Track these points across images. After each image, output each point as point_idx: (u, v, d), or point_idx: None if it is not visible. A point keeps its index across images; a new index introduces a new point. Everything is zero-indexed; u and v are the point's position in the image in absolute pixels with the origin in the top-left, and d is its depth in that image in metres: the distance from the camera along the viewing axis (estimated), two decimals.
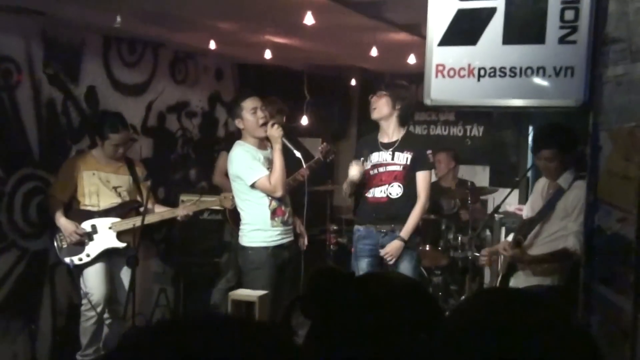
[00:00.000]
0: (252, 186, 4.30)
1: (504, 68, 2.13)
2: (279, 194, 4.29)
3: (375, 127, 6.55)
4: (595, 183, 2.03)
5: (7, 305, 4.55)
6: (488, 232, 5.75)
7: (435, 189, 5.99)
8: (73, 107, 5.05)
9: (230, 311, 3.17)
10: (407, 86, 4.68)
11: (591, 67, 2.03)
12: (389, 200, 4.48)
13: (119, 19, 3.80)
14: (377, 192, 4.51)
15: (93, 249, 4.56)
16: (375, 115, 4.47)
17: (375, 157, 4.54)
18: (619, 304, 1.96)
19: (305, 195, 4.35)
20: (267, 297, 3.20)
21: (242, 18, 4.67)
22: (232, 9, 4.40)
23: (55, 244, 4.54)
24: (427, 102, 2.27)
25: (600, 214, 2.02)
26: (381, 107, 4.44)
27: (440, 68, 2.23)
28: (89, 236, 4.55)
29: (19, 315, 4.66)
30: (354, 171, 4.42)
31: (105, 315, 4.64)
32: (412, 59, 5.43)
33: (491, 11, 2.14)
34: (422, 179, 4.47)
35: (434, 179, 5.45)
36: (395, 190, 4.46)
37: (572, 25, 2.05)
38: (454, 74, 2.21)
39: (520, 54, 2.11)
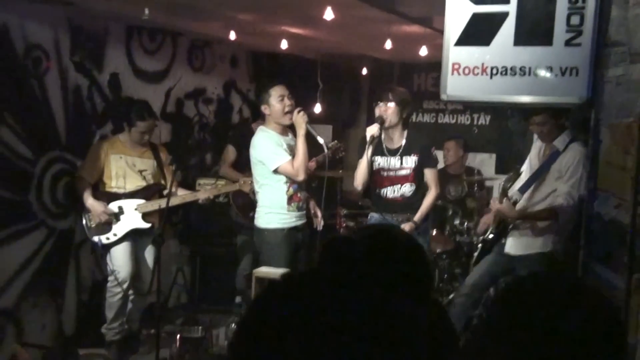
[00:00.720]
0: (275, 171, 4.47)
1: (515, 67, 2.35)
2: (301, 177, 4.47)
3: None
4: (595, 172, 2.25)
5: (36, 280, 4.79)
6: None
7: (443, 175, 6.22)
8: (97, 93, 5.26)
9: (254, 288, 3.39)
10: (409, 93, 4.89)
11: (594, 68, 2.25)
12: (403, 198, 4.69)
13: (147, 11, 4.00)
14: (389, 192, 4.68)
15: (120, 228, 4.79)
16: (385, 125, 4.56)
17: (383, 161, 4.69)
18: (613, 282, 2.19)
19: (324, 181, 4.59)
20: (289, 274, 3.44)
21: (260, 9, 4.86)
22: (250, 1, 4.59)
23: (84, 222, 4.76)
24: (444, 97, 2.49)
25: (599, 200, 2.25)
26: (391, 116, 4.53)
27: (456, 66, 2.44)
28: (116, 217, 4.78)
29: (47, 290, 4.91)
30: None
31: (130, 292, 4.88)
32: (423, 51, 5.62)
33: (503, 15, 2.35)
34: (430, 175, 4.66)
35: (441, 165, 5.65)
36: (407, 189, 4.66)
37: (577, 30, 2.26)
38: (468, 72, 2.43)
39: (529, 55, 2.33)
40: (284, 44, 5.56)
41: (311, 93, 6.65)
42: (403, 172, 4.67)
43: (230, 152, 5.89)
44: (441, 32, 5.15)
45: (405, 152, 4.65)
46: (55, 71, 4.88)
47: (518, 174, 4.27)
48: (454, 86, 2.46)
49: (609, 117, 2.23)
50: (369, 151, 4.56)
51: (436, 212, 6.00)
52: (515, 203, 3.97)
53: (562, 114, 3.91)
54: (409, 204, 4.66)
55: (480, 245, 4.43)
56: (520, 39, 2.35)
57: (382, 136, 4.67)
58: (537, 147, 4.29)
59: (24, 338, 4.66)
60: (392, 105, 4.56)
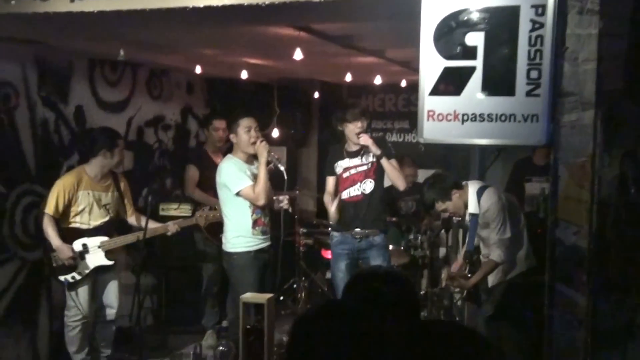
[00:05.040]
0: (237, 194, 4.72)
1: (483, 114, 2.69)
2: (261, 202, 4.71)
3: (333, 134, 7.07)
4: (556, 205, 2.61)
5: (10, 311, 4.89)
6: (444, 233, 6.32)
7: (394, 192, 6.58)
8: (64, 126, 5.39)
9: (241, 313, 3.62)
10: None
11: (551, 115, 2.61)
12: (363, 197, 5.00)
13: (122, 52, 4.19)
14: (352, 191, 5.03)
15: (84, 267, 4.86)
16: (361, 141, 4.89)
17: (346, 162, 5.07)
18: (575, 299, 2.56)
19: (282, 211, 4.91)
20: (273, 299, 3.67)
21: (221, 46, 5.09)
22: (212, 38, 4.81)
23: (53, 263, 4.80)
24: (420, 140, 2.80)
25: (560, 228, 2.61)
26: (363, 136, 4.90)
27: (431, 113, 2.77)
28: (81, 255, 4.84)
29: (20, 320, 5.01)
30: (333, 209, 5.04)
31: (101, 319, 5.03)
32: (377, 80, 6.00)
33: (472, 69, 2.70)
34: (389, 166, 4.90)
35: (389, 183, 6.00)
36: (368, 186, 5.00)
37: (536, 82, 2.62)
38: (442, 118, 2.75)
39: (495, 104, 2.67)
40: (244, 74, 5.80)
41: (265, 116, 6.91)
42: (362, 168, 5.01)
43: (193, 172, 6.02)
44: (393, 61, 5.57)
45: (365, 150, 4.98)
46: (24, 106, 5.00)
47: (449, 220, 4.91)
48: (429, 130, 2.78)
49: (565, 157, 2.60)
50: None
51: (392, 229, 6.37)
52: (472, 262, 4.50)
53: (429, 208, 4.69)
54: (370, 210, 4.97)
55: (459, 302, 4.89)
56: (487, 89, 2.69)
57: (346, 144, 5.06)
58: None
59: None
60: (361, 121, 4.93)
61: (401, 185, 4.99)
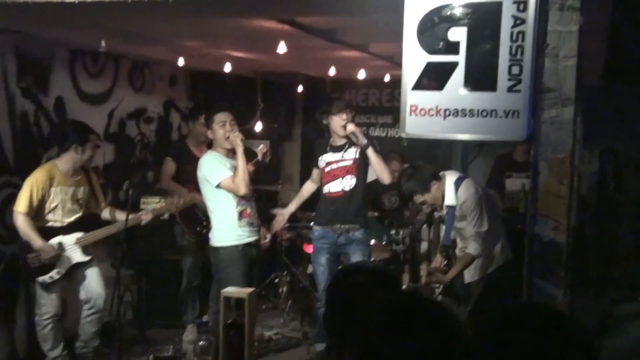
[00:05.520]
0: (218, 186, 4.70)
1: (465, 109, 2.70)
2: (242, 192, 4.68)
3: (317, 128, 7.07)
4: (535, 200, 2.63)
5: None
6: (426, 227, 6.34)
7: (377, 187, 6.59)
8: (44, 118, 5.34)
9: (222, 307, 3.62)
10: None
11: (532, 110, 2.63)
12: (344, 194, 5.00)
13: (103, 43, 4.15)
14: (332, 187, 5.04)
15: (63, 265, 4.79)
16: (348, 130, 4.88)
17: (329, 156, 5.07)
18: (553, 294, 2.58)
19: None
20: (254, 294, 3.67)
21: (204, 38, 5.07)
22: (196, 30, 4.79)
23: (30, 265, 4.70)
24: (403, 134, 2.81)
25: (539, 224, 2.63)
26: (350, 124, 4.91)
27: (414, 108, 2.78)
28: (58, 254, 4.76)
29: None
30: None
31: (88, 312, 4.98)
32: (361, 74, 6.01)
33: (454, 64, 2.71)
34: (374, 157, 4.88)
35: (374, 177, 6.00)
36: (348, 182, 5.00)
37: (517, 78, 2.64)
38: (424, 113, 2.76)
39: (477, 99, 2.69)
40: (227, 67, 5.78)
41: (249, 110, 6.89)
42: (344, 164, 5.01)
43: (169, 165, 6.00)
44: (376, 55, 5.58)
45: (348, 146, 4.99)
46: (2, 97, 4.93)
47: (431, 215, 4.91)
48: (412, 125, 2.79)
49: (545, 152, 2.62)
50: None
51: (373, 223, 6.38)
52: (449, 257, 4.45)
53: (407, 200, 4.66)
54: (350, 207, 4.98)
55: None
56: (469, 85, 2.70)
57: (331, 139, 5.07)
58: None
59: None
60: (349, 114, 4.94)
61: (386, 178, 4.96)
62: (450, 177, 4.51)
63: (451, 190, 4.45)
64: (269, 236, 5.11)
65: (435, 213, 5.44)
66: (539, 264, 2.63)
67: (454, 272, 4.44)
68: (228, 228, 4.79)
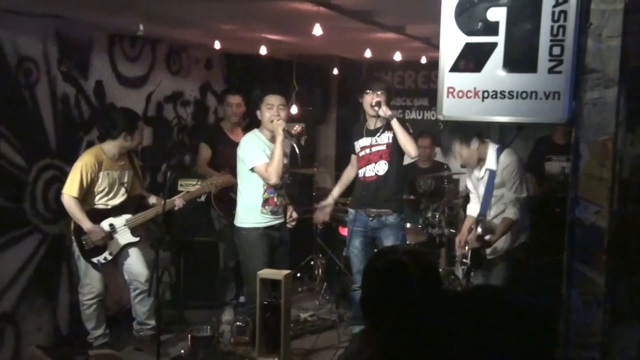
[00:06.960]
0: (252, 170, 4.75)
1: (504, 91, 2.66)
2: (273, 181, 4.70)
3: (352, 112, 7.04)
4: (576, 183, 2.58)
5: (32, 284, 4.95)
6: (462, 211, 6.30)
7: (413, 170, 6.57)
8: (84, 101, 5.41)
9: (258, 289, 3.65)
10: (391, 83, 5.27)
11: (573, 92, 2.57)
12: (377, 178, 5.02)
13: (141, 27, 4.18)
14: (367, 172, 5.06)
15: (115, 247, 4.95)
16: (380, 113, 4.90)
17: (363, 141, 5.09)
18: (594, 279, 2.54)
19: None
20: (290, 275, 3.69)
21: (240, 21, 5.06)
22: (231, 13, 4.79)
23: (83, 243, 4.86)
24: (440, 117, 2.78)
25: (580, 208, 2.58)
26: (384, 106, 4.90)
27: (451, 90, 2.74)
28: (110, 235, 4.93)
29: (42, 293, 5.08)
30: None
31: (136, 294, 5.10)
32: (397, 56, 5.95)
33: (493, 45, 2.66)
34: (399, 128, 4.82)
35: (410, 161, 5.94)
36: (381, 167, 5.01)
37: (558, 59, 2.58)
38: (462, 95, 2.72)
39: (517, 81, 2.64)
40: (262, 50, 5.77)
41: (284, 93, 6.88)
42: (377, 149, 5.00)
43: (204, 150, 6.08)
44: (413, 37, 5.52)
45: (383, 130, 4.98)
46: (44, 81, 5.01)
47: (468, 198, 4.82)
48: (449, 108, 2.75)
49: (587, 135, 2.56)
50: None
51: (409, 206, 6.36)
52: (485, 231, 4.36)
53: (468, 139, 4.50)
54: (382, 191, 4.98)
55: (463, 267, 4.79)
56: (508, 66, 2.65)
57: (367, 120, 5.08)
58: (471, 169, 4.70)
59: (22, 340, 4.83)
60: (382, 92, 4.93)
61: (412, 150, 4.87)
62: (492, 145, 4.51)
63: (493, 154, 4.45)
64: (295, 215, 5.09)
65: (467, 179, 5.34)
66: (579, 248, 2.58)
67: (497, 236, 4.39)
68: (250, 211, 4.84)
